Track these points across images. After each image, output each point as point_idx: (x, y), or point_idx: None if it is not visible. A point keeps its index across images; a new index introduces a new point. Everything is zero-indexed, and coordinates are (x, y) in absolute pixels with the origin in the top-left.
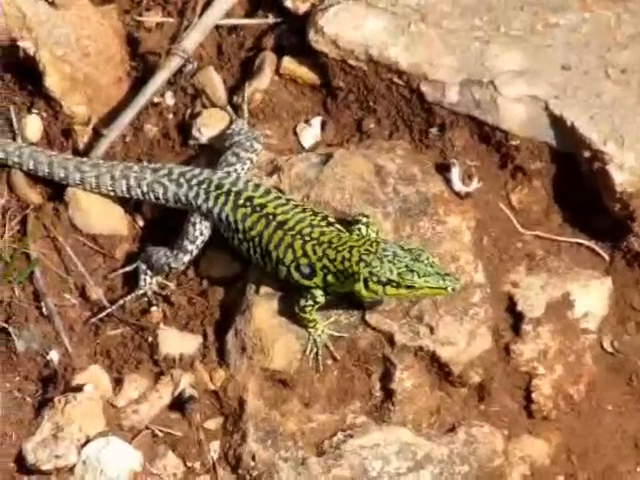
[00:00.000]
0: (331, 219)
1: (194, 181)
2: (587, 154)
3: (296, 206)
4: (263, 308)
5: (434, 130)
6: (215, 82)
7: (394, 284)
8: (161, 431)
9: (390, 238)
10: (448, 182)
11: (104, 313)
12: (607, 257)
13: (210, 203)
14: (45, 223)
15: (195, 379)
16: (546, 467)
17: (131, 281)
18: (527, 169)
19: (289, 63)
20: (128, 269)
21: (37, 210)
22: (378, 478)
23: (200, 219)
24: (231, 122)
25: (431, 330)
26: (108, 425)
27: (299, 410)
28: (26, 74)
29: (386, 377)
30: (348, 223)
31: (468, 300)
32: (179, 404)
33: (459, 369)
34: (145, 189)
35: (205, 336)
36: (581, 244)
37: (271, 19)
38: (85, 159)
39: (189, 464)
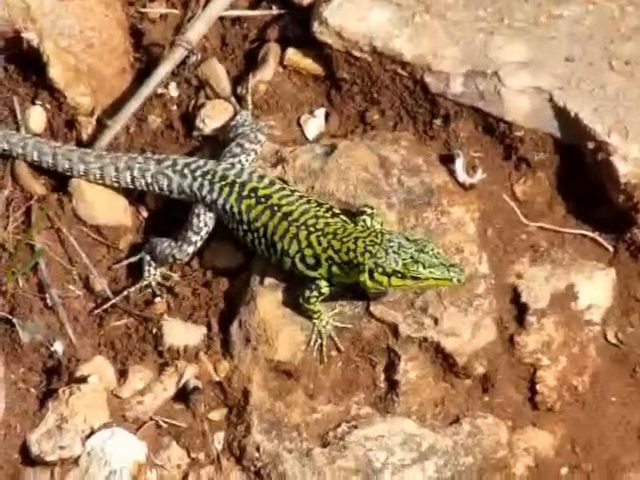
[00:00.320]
0: (336, 210)
1: (198, 172)
2: (591, 145)
3: (301, 197)
4: (267, 299)
5: (438, 121)
6: (219, 73)
7: (399, 275)
8: (165, 422)
9: (394, 229)
10: (452, 173)
11: (108, 304)
12: (611, 248)
13: (214, 194)
14: (49, 214)
15: (199, 370)
16: (550, 458)
17: (135, 272)
18: (531, 160)
19: (293, 54)
20: (132, 260)
21: (41, 201)
22: (382, 469)
23: (204, 210)
24: (235, 113)
25: (435, 321)
26: (112, 416)
27: (303, 401)
28: (30, 65)
29: (390, 368)
30: (353, 214)
31: (472, 291)
32: (183, 395)
33: (463, 360)
34: (149, 180)
35: (209, 327)
36: (585, 235)
37: (275, 10)
38: (89, 150)
39: (193, 455)
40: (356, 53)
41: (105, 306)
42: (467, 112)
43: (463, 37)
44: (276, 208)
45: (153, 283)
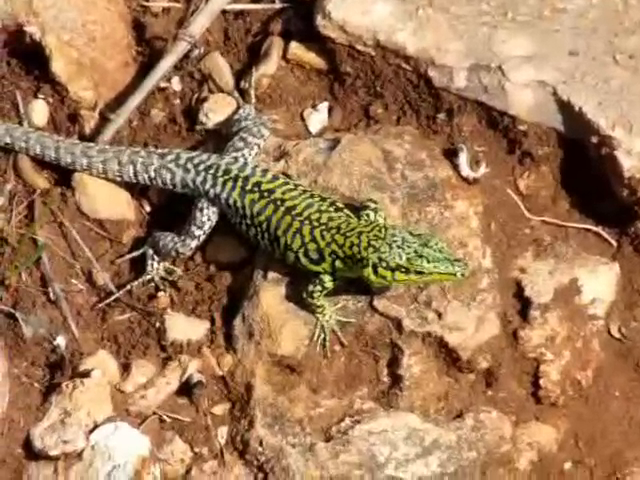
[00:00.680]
0: (339, 204)
1: (202, 166)
2: (595, 139)
3: (304, 191)
4: (271, 293)
5: (442, 115)
6: (222, 67)
7: (403, 270)
8: (169, 417)
9: (398, 223)
10: (456, 167)
11: (111, 298)
12: (615, 243)
13: (218, 188)
14: (52, 208)
15: (202, 364)
16: (554, 453)
17: (138, 266)
18: (535, 154)
19: (296, 48)
20: (135, 254)
21: (44, 195)
22: (386, 464)
23: (207, 204)
24: (238, 107)
25: (439, 316)
26: (116, 410)
27: (307, 396)
28: (32, 59)
29: (394, 363)
30: (356, 209)
31: (476, 286)
32: (186, 390)
33: (467, 355)
34: (152, 174)
35: (212, 321)
36: (589, 230)
37: (278, 4)
38: (92, 144)
39: (196, 450)
40: (359, 47)
41: (108, 300)
42: (471, 106)
43: (467, 31)
44: (279, 202)
45: (156, 277)
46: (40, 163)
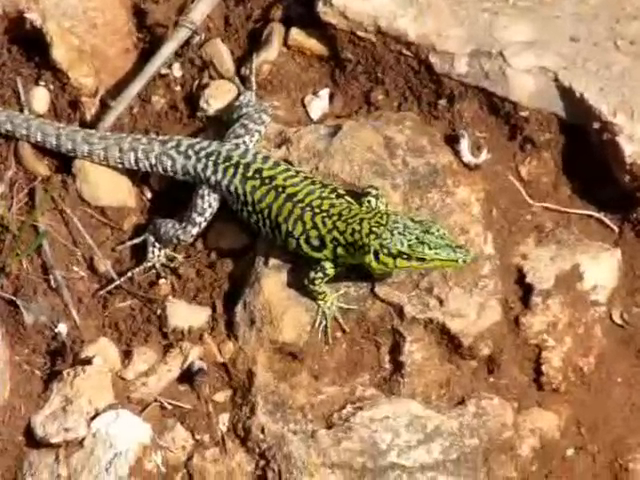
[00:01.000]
0: (341, 191)
1: (202, 153)
2: (597, 125)
3: (305, 178)
4: (272, 280)
5: (443, 101)
6: (223, 54)
7: (405, 256)
8: (170, 404)
9: (399, 210)
10: (457, 153)
11: (112, 285)
12: (616, 229)
13: (219, 175)
14: (53, 195)
15: (204, 352)
16: (556, 440)
17: (139, 253)
18: (536, 140)
19: (297, 34)
20: (136, 241)
21: (45, 182)
22: (388, 451)
23: (209, 191)
24: (239, 94)
25: (441, 302)
26: (117, 398)
27: (308, 383)
28: (33, 46)
29: (395, 349)
30: (357, 195)
31: (477, 272)
32: (188, 377)
33: (469, 341)
34: (153, 161)
35: (214, 308)
36: (590, 216)
37: None
38: (93, 131)
39: (198, 437)
40: (360, 33)
41: (109, 287)
42: (472, 92)
43: (468, 17)
44: (281, 189)
45: (157, 264)
46: (41, 150)
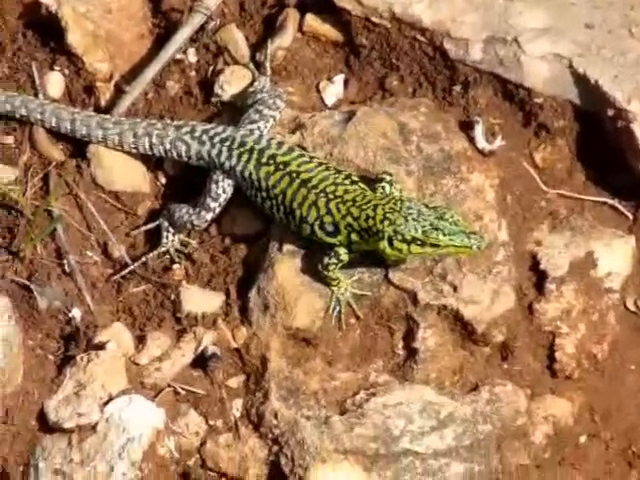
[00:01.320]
0: (354, 178)
1: (217, 139)
2: (611, 112)
3: (320, 164)
4: (286, 266)
5: (457, 88)
6: (237, 39)
7: (419, 242)
8: (183, 389)
9: (413, 196)
10: (471, 140)
11: (126, 270)
12: (630, 216)
13: (233, 161)
14: (67, 180)
15: (217, 337)
16: (569, 427)
17: (153, 238)
18: (551, 127)
19: (312, 20)
20: (150, 226)
21: (59, 167)
22: (401, 437)
23: (223, 177)
24: (254, 80)
25: (454, 289)
26: (130, 383)
27: (322, 368)
28: (48, 31)
29: (409, 335)
30: (371, 181)
31: (492, 259)
32: (201, 362)
33: (482, 328)
34: (168, 146)
35: (227, 294)
36: (604, 203)
37: None
38: (108, 116)
39: (211, 422)
40: (375, 19)
41: (123, 272)
42: (486, 78)
43: (483, 3)
44: (295, 175)
45: (171, 250)
46: (55, 135)
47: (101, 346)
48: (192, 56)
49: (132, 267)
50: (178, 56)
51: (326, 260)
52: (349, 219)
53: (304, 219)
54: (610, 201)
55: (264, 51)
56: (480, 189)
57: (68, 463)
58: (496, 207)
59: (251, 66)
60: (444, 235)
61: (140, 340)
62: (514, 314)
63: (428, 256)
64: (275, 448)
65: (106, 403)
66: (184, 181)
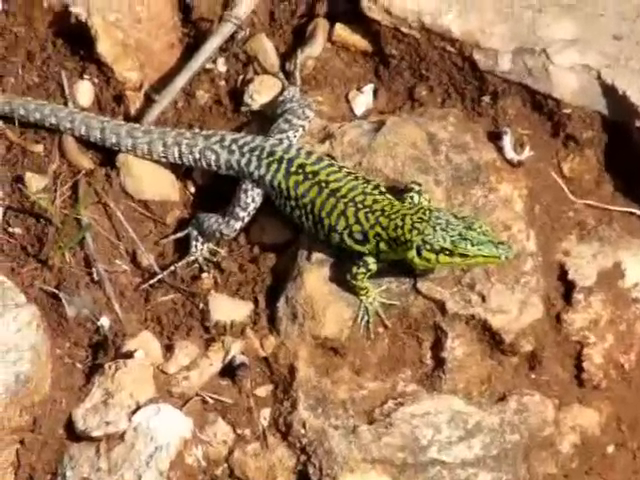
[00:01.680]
0: (383, 189)
1: (246, 148)
2: (639, 123)
3: (349, 174)
4: (314, 275)
5: (486, 98)
6: (267, 49)
7: (447, 252)
8: (211, 398)
9: (442, 206)
10: (500, 150)
11: (155, 279)
12: None
13: (262, 170)
14: (96, 189)
15: (246, 346)
16: (596, 436)
17: (182, 247)
18: (579, 138)
19: (341, 30)
20: (179, 235)
21: (88, 175)
22: (429, 447)
23: (252, 186)
24: (283, 89)
25: (483, 298)
26: (158, 392)
27: (350, 378)
28: (78, 39)
29: (437, 345)
30: (400, 191)
31: (520, 269)
32: (229, 371)
33: (510, 338)
34: (197, 156)
35: (256, 303)
36: (633, 213)
37: None
38: (137, 125)
39: (239, 431)
40: (404, 29)
41: (152, 281)
42: (515, 89)
43: (511, 14)
44: (324, 184)
45: (200, 258)
46: (85, 144)
47: (129, 355)
48: (222, 65)
49: (161, 276)
50: (208, 65)
51: (355, 269)
52: (378, 228)
53: (333, 228)
54: (638, 211)
55: (294, 61)
56: (508, 199)
57: (96, 472)
58: (524, 217)
59: (280, 75)
60: (472, 245)
61: (168, 349)
62: (542, 324)
63: (456, 266)
64: (303, 457)
65: (134, 412)
66: (213, 190)
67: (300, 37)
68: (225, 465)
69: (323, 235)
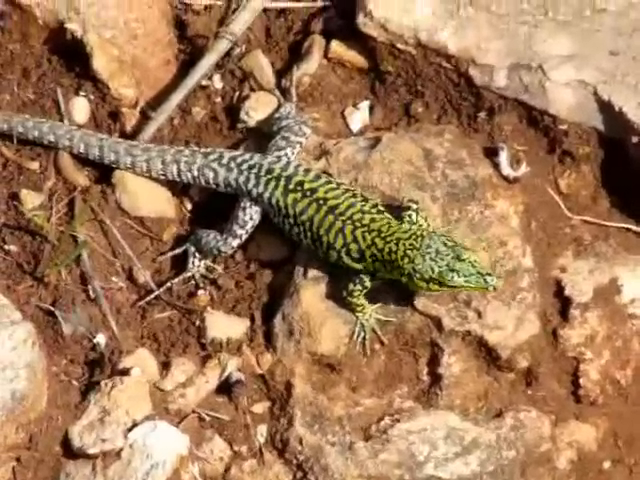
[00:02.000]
0: (380, 207)
1: (244, 166)
2: (635, 139)
3: (347, 191)
4: (311, 292)
5: (482, 114)
6: (263, 65)
7: (436, 282)
8: (208, 415)
9: (438, 222)
10: (496, 166)
11: (151, 296)
12: None
13: (260, 188)
14: (92, 206)
15: (242, 363)
16: (593, 452)
17: (178, 264)
18: (575, 154)
19: (337, 47)
20: (177, 252)
21: (84, 192)
22: (425, 463)
23: (250, 204)
24: (279, 106)
25: (479, 315)
26: (155, 409)
27: (346, 394)
28: (73, 56)
29: (433, 361)
30: (397, 209)
31: (516, 285)
32: (226, 388)
33: (507, 354)
34: (196, 173)
35: (252, 320)
36: (629, 229)
37: (319, 2)
38: (135, 143)
39: (236, 448)
40: (400, 46)
41: (148, 298)
42: (511, 105)
43: (507, 30)
44: (322, 202)
45: (197, 275)
46: (81, 160)
47: (126, 372)
48: (218, 82)
49: (157, 293)
50: (204, 82)
51: (351, 286)
52: (374, 249)
53: (331, 245)
54: (634, 227)
55: (290, 77)
56: (505, 215)
57: None
58: (521, 233)
59: (277, 92)
60: (459, 277)
61: (165, 366)
62: (538, 340)
63: (448, 292)
64: (300, 474)
65: (130, 429)
66: (209, 207)
67: (296, 53)
68: None
69: (322, 252)
